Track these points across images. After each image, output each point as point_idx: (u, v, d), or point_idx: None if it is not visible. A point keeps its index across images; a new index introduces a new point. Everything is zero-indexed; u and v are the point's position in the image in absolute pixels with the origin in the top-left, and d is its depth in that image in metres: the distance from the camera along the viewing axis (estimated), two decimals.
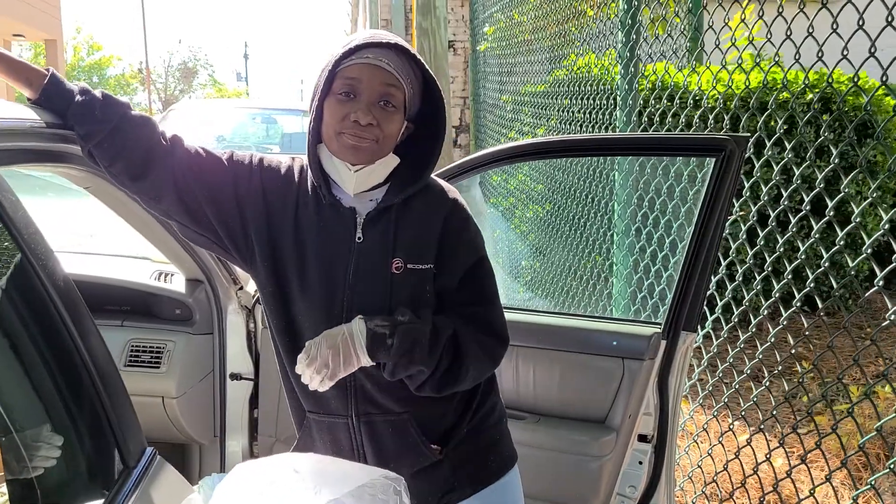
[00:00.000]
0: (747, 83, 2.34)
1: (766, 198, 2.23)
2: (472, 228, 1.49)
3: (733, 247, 2.47)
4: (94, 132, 1.36)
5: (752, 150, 2.36)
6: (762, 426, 2.30)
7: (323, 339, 1.34)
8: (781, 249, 2.20)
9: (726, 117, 2.48)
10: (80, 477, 1.12)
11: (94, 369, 1.13)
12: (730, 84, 2.47)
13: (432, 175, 1.51)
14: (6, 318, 1.06)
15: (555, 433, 2.13)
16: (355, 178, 1.40)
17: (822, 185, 1.97)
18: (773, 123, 3.06)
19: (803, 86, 2.21)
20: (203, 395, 2.35)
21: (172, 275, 2.35)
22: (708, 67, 2.64)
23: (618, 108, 2.76)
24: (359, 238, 1.42)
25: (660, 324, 2.12)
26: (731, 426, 2.43)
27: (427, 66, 1.44)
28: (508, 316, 2.17)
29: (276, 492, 1.16)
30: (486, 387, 1.60)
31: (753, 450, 2.29)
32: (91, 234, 2.70)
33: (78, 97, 1.37)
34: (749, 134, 1.99)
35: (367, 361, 1.35)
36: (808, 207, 2.03)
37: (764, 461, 2.24)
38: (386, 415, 1.46)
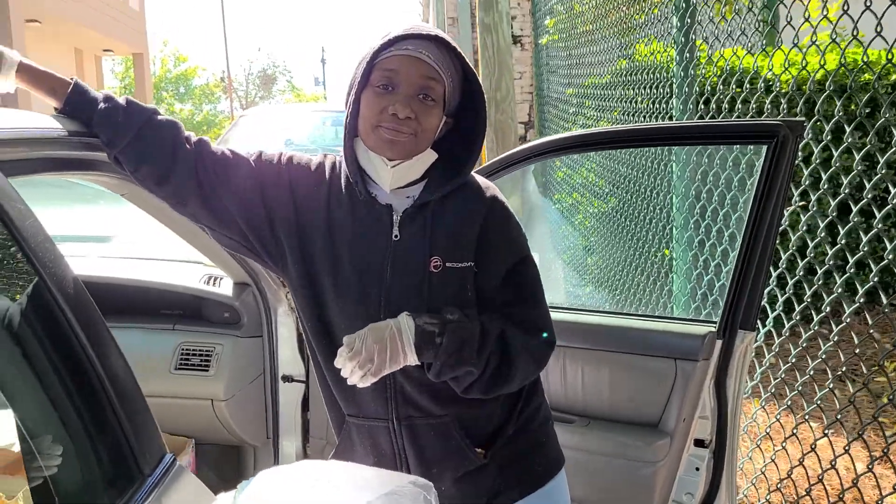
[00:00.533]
0: (804, 64, 2.18)
1: (825, 185, 2.08)
2: (514, 226, 1.43)
3: (793, 239, 2.31)
4: (118, 138, 1.37)
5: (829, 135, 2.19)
6: (827, 431, 2.15)
7: (368, 332, 1.29)
8: (843, 241, 2.04)
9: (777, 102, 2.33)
10: (92, 484, 1.11)
11: (104, 374, 1.13)
12: (802, 66, 2.30)
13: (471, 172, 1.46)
14: (14, 326, 1.06)
15: (605, 437, 2.05)
16: (392, 173, 1.36)
17: (884, 171, 1.81)
18: (853, 106, 2.87)
19: (862, 63, 2.04)
20: (253, 397, 2.37)
21: (221, 278, 2.38)
22: (779, 47, 2.47)
23: (674, 96, 2.64)
24: (395, 236, 1.38)
25: (717, 322, 2.00)
26: (795, 431, 2.28)
27: (467, 60, 1.40)
28: (555, 315, 2.10)
29: (300, 498, 1.14)
30: (530, 388, 1.54)
31: (818, 456, 2.14)
32: (133, 241, 2.75)
33: (101, 105, 1.38)
34: (804, 118, 1.85)
35: (413, 360, 1.30)
36: (868, 195, 1.88)
37: (829, 468, 2.09)
38: (427, 418, 1.42)
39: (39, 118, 1.33)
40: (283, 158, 1.46)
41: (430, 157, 1.39)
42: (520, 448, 1.50)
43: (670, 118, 2.83)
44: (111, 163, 1.41)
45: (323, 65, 50.54)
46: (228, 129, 6.87)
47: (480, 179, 1.47)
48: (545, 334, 1.43)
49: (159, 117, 1.42)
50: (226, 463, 2.56)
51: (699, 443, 2.04)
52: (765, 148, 1.77)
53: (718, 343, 1.96)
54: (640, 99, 3.52)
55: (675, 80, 2.65)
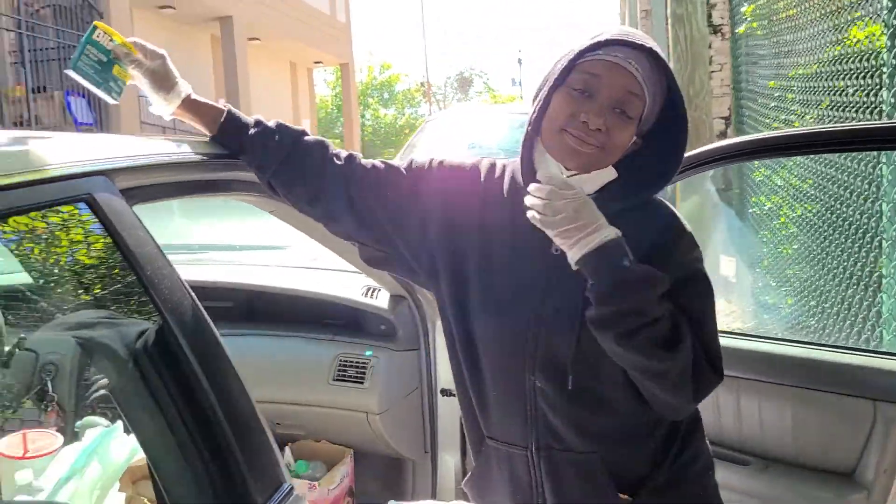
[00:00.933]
0: None
1: None
2: (684, 247, 1.27)
3: None
4: (269, 162, 1.39)
5: None
6: None
7: (585, 205, 1.18)
8: None
9: None
10: None
11: (218, 401, 1.12)
12: None
13: None
14: (129, 353, 1.08)
15: (786, 484, 1.79)
16: None
17: None
18: None
19: None
20: (409, 411, 2.34)
21: (379, 290, 2.38)
22: None
23: (883, 87, 2.26)
24: (556, 250, 1.26)
25: None
26: None
27: (676, 80, 1.26)
28: (728, 342, 1.88)
29: None
30: (688, 429, 1.36)
31: None
32: (306, 251, 2.79)
33: (252, 129, 1.40)
34: None
35: (572, 257, 1.18)
36: None
37: None
38: (569, 452, 1.30)
39: (178, 145, 1.36)
40: (434, 163, 1.41)
41: (608, 174, 1.27)
42: (673, 499, 1.33)
43: (879, 113, 2.44)
44: (263, 187, 1.43)
45: (519, 65, 50.88)
46: (415, 135, 7.05)
47: (657, 198, 1.33)
48: (712, 359, 1.24)
49: (307, 138, 1.42)
50: (386, 474, 2.56)
51: None
52: None
53: None
54: (850, 91, 3.09)
55: (885, 69, 2.26)
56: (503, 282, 1.31)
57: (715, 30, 8.61)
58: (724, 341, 1.93)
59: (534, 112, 1.27)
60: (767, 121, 4.74)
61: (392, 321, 2.30)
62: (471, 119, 7.43)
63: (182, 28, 17.18)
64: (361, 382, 2.27)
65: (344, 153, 1.42)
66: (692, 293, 1.25)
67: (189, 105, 1.42)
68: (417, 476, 2.49)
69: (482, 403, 1.38)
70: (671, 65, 5.51)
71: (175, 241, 3.24)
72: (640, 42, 1.20)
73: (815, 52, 3.81)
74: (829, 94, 3.46)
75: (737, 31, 5.52)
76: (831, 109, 3.43)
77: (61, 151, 1.08)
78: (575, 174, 1.24)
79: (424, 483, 2.44)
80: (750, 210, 4.84)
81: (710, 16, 8.70)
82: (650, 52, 1.20)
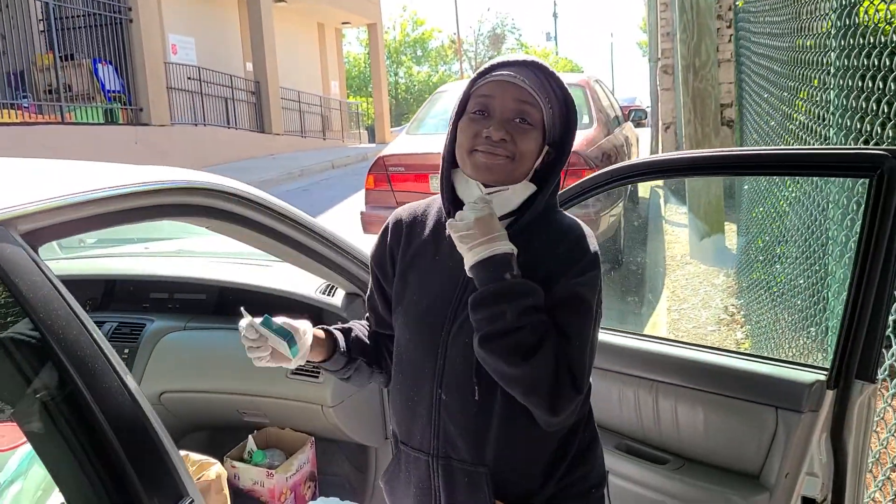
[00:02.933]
0: None
1: None
2: (580, 269, 1.34)
3: None
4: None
5: None
6: None
7: (489, 217, 1.31)
8: None
9: None
10: None
11: (106, 422, 1.22)
12: None
13: (565, 212, 1.43)
14: (26, 384, 1.20)
15: (698, 485, 1.86)
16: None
17: None
18: None
19: None
20: (364, 402, 2.45)
21: (336, 288, 2.47)
22: None
23: (831, 50, 2.14)
24: (469, 269, 1.35)
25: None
26: None
27: (566, 87, 1.35)
28: (647, 345, 1.96)
29: None
30: (581, 450, 1.45)
31: None
32: None
33: (353, 364, 1.55)
34: None
35: (466, 264, 1.31)
36: None
37: None
38: (463, 463, 1.41)
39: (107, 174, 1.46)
40: (390, 224, 1.53)
41: (527, 189, 1.36)
42: None
43: (828, 73, 2.35)
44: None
45: (555, 19, 49.94)
46: (425, 106, 7.06)
47: (571, 218, 1.41)
48: (574, 375, 1.30)
49: (355, 335, 1.57)
50: (350, 458, 2.69)
51: (809, 501, 1.80)
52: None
53: (830, 394, 1.69)
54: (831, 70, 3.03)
55: (832, 30, 2.18)
56: (420, 298, 1.43)
57: None
58: (643, 345, 2.02)
59: (445, 146, 1.37)
60: (759, 98, 4.68)
61: (346, 318, 2.40)
62: None
63: None
64: (316, 377, 2.38)
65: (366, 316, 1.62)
66: (570, 311, 1.32)
67: (316, 344, 1.51)
68: (380, 460, 2.62)
69: (400, 410, 1.50)
70: (678, 35, 5.36)
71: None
72: (521, 59, 1.30)
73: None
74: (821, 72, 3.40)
75: (736, 3, 5.41)
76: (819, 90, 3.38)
77: None
78: (495, 192, 1.34)
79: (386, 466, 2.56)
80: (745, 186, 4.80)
81: None
82: (534, 65, 1.30)
